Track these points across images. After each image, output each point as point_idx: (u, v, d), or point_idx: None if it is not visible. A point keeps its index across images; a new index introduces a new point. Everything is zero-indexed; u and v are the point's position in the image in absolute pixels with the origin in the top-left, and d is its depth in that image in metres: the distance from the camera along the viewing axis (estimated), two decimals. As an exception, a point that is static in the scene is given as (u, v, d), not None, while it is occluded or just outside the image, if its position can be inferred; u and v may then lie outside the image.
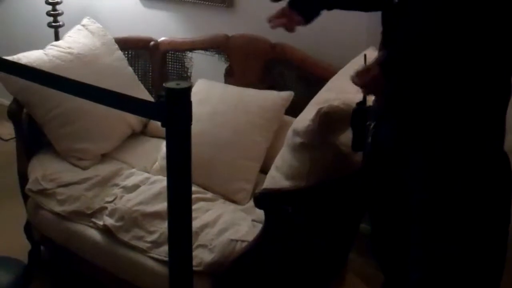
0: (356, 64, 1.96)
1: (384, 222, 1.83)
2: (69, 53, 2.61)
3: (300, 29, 2.62)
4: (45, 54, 2.56)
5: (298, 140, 1.84)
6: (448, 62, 1.41)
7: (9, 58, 2.43)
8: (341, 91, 1.91)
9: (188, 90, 1.53)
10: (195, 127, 2.36)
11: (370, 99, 1.71)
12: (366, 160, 1.77)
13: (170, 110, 1.53)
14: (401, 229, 1.69)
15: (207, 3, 2.89)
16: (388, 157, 1.66)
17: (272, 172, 2.05)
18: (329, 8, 1.84)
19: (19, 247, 2.60)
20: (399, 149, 1.60)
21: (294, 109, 2.35)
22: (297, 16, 1.83)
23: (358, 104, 1.71)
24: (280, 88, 2.52)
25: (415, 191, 1.57)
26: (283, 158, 1.98)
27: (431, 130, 1.50)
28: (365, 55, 1.71)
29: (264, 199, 1.84)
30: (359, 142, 1.72)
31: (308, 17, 1.85)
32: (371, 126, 1.67)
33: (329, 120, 1.77)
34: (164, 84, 1.53)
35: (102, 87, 1.67)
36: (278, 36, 2.59)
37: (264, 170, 2.29)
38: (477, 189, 1.48)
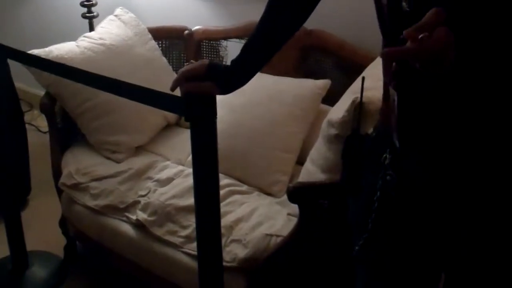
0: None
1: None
2: (101, 44, 2.57)
3: (336, 15, 2.54)
4: (77, 46, 2.52)
5: (333, 131, 1.76)
6: None
7: (41, 50, 2.41)
8: (378, 78, 1.81)
9: (212, 83, 1.46)
10: (230, 118, 2.35)
11: (368, 126, 1.43)
12: (382, 201, 1.24)
13: (193, 104, 1.47)
14: None
15: (241, -11, 2.82)
16: (420, 200, 1.20)
17: (308, 164, 1.98)
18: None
19: (55, 242, 2.59)
20: (439, 191, 1.17)
21: (331, 97, 2.26)
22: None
23: (355, 130, 1.39)
24: (316, 76, 2.43)
25: (465, 246, 1.18)
26: (319, 150, 1.90)
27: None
28: (363, 78, 1.46)
29: (297, 193, 1.77)
30: (355, 182, 1.31)
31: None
32: (386, 160, 1.21)
33: (364, 110, 1.68)
34: (187, 77, 1.48)
35: (124, 81, 1.63)
36: (314, 22, 2.50)
37: (301, 161, 2.21)
38: None
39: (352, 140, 1.33)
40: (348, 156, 1.32)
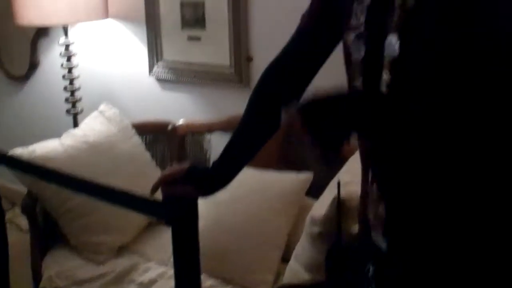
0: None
1: None
2: (84, 141, 2.58)
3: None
4: (60, 144, 2.53)
5: (316, 229, 1.73)
6: None
7: (25, 149, 2.40)
8: (357, 173, 1.81)
9: (191, 187, 1.44)
10: (212, 214, 2.31)
11: (350, 233, 1.46)
12: None
13: (173, 208, 1.44)
14: None
15: (224, 83, 2.84)
16: None
17: (292, 263, 1.94)
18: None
19: None
20: None
21: (314, 189, 2.25)
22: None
23: (334, 244, 1.39)
24: (299, 167, 2.42)
25: None
26: (303, 247, 1.87)
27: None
28: (338, 183, 1.53)
29: (281, 296, 1.72)
30: None
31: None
32: (370, 272, 1.19)
33: (345, 207, 1.66)
34: (165, 182, 1.46)
35: (103, 185, 1.60)
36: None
37: (286, 257, 2.16)
38: None
39: (333, 255, 1.30)
40: (332, 271, 1.29)
